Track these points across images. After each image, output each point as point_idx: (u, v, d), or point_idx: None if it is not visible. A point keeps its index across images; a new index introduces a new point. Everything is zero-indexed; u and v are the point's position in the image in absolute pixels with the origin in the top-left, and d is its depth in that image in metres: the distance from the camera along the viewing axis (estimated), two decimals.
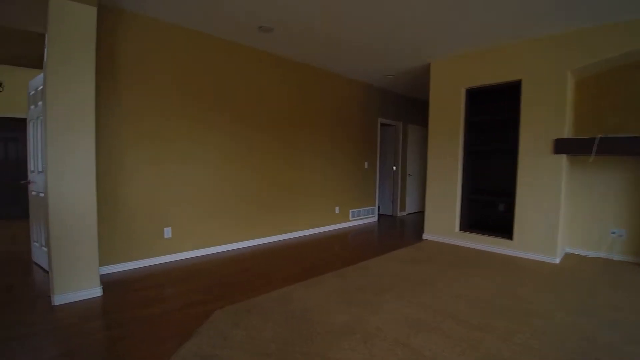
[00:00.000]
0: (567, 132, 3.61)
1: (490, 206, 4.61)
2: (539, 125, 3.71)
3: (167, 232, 3.52)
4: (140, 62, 3.24)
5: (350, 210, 5.80)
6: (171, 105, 3.49)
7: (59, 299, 2.42)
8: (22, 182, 3.20)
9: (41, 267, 3.21)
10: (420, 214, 7.25)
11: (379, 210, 6.82)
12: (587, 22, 3.27)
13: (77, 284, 2.50)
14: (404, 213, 7.08)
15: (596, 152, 3.34)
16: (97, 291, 2.58)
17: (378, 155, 6.35)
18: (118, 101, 3.11)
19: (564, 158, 3.58)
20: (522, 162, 3.85)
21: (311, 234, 5.02)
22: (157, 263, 3.44)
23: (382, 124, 6.45)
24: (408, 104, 7.07)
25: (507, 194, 4.23)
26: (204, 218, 3.82)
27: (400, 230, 5.48)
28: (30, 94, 2.99)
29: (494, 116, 4.28)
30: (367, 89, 6.02)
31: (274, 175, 4.55)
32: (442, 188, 4.57)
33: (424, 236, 4.79)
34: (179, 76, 3.53)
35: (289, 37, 3.85)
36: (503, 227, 4.32)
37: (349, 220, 5.77)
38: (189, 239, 3.70)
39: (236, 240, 4.16)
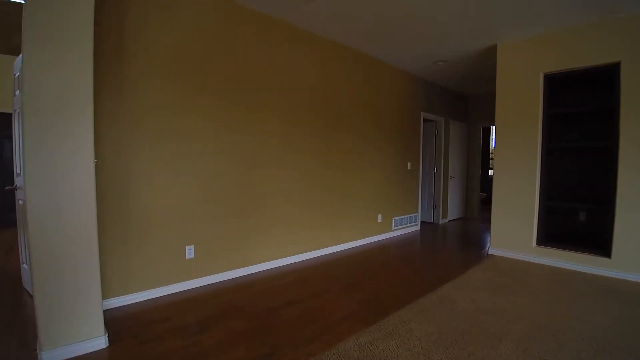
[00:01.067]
0: None
1: (572, 215, 3.80)
2: None
3: (190, 252, 2.80)
4: (155, 42, 2.53)
5: (393, 219, 5.03)
6: (193, 98, 2.77)
7: (47, 357, 1.70)
8: (7, 187, 2.52)
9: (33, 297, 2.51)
10: (463, 221, 6.44)
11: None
12: None
13: (72, 333, 1.78)
14: (446, 220, 6.28)
15: None
16: (100, 342, 1.87)
17: (421, 155, 5.57)
18: (128, 91, 2.41)
19: None
20: (625, 162, 3.05)
21: (354, 248, 4.27)
22: (179, 291, 2.72)
23: (423, 120, 5.67)
24: (450, 97, 6.28)
25: (598, 201, 3.42)
26: (233, 233, 3.10)
27: (454, 243, 4.69)
28: (15, 75, 2.30)
29: (580, 107, 3.49)
30: (411, 79, 5.25)
31: (313, 180, 3.81)
32: (514, 193, 3.78)
33: (491, 251, 4.00)
34: (201, 62, 2.82)
35: (334, 9, 3.12)
36: (591, 241, 3.51)
37: (391, 230, 5.01)
38: (214, 259, 2.98)
39: (270, 258, 3.43)
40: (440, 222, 6.10)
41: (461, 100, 6.60)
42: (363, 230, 4.51)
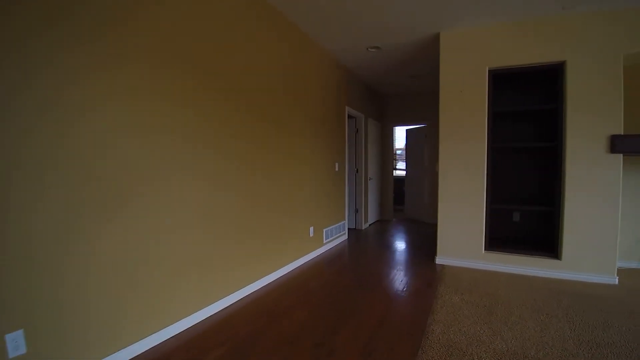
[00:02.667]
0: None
1: (521, 217, 3.79)
2: (590, 119, 2.99)
3: (15, 344, 1.26)
4: None
5: (325, 230, 4.22)
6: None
7: None
8: None
9: None
10: (381, 224, 6.20)
11: None
12: None
13: None
14: (367, 224, 5.90)
15: None
16: None
17: (347, 154, 4.95)
18: None
19: (620, 158, 2.94)
20: (571, 163, 3.08)
21: (288, 274, 3.23)
22: None
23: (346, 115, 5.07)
24: (369, 94, 5.91)
25: (544, 202, 3.45)
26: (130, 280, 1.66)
27: (393, 252, 4.20)
28: None
29: (526, 106, 3.45)
30: (338, 65, 4.54)
31: (229, 192, 2.60)
32: (462, 197, 3.50)
33: (439, 260, 3.64)
34: None
35: None
36: (537, 243, 3.52)
37: (322, 244, 4.18)
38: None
39: (176, 318, 2.08)
40: (363, 228, 5.66)
41: (377, 98, 6.35)
42: (294, 251, 3.52)
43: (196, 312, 2.24)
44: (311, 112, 3.81)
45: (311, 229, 3.86)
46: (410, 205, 6.82)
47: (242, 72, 2.65)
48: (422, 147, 6.38)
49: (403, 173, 7.85)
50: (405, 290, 2.85)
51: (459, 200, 3.51)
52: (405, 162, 6.98)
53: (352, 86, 5.10)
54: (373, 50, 4.13)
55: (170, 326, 2.05)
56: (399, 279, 3.15)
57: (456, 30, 3.47)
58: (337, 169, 4.59)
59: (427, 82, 5.47)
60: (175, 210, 2.08)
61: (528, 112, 3.51)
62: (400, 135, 8.86)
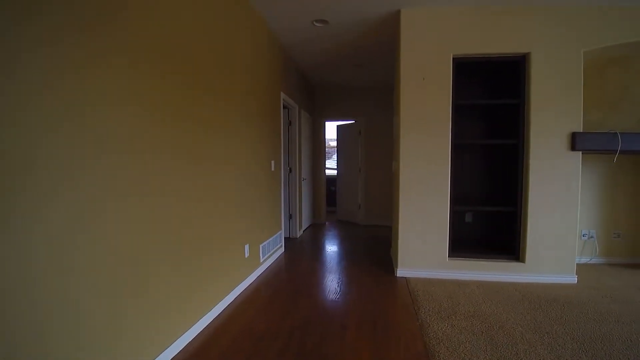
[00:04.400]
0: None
1: (473, 218, 3.58)
2: (552, 115, 2.91)
3: None
4: None
5: (261, 246, 3.31)
6: None
7: None
8: None
9: None
10: (315, 228, 5.56)
11: None
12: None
13: None
14: (302, 231, 5.17)
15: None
16: None
17: (282, 151, 4.11)
18: None
19: (580, 155, 2.93)
20: (534, 161, 2.95)
21: (221, 316, 2.25)
22: None
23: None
24: (303, 83, 5.17)
25: (501, 202, 3.28)
26: None
27: (342, 266, 3.56)
28: None
29: (490, 99, 3.23)
30: (274, 43, 3.67)
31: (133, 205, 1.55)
32: (424, 198, 3.09)
33: (400, 272, 3.16)
34: None
35: None
36: (498, 246, 3.35)
37: (259, 264, 3.27)
38: None
39: None
40: (297, 236, 4.90)
41: (309, 88, 5.66)
42: (226, 283, 2.56)
43: None
44: (248, 101, 2.87)
45: (246, 247, 2.92)
46: (342, 206, 6.38)
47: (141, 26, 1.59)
48: (356, 145, 5.98)
49: (333, 172, 7.40)
50: (383, 326, 2.22)
51: (422, 202, 3.09)
52: (337, 160, 6.51)
53: (288, 72, 4.29)
54: (319, 25, 3.41)
55: None
56: (367, 307, 2.51)
57: (419, 10, 3.03)
58: (273, 168, 3.73)
59: (370, 73, 5.06)
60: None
61: (488, 107, 3.32)
62: (330, 132, 8.34)
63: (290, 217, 4.84)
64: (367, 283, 3.00)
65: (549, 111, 2.89)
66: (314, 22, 3.37)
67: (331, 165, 7.64)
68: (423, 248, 3.12)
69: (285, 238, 4.56)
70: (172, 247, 1.82)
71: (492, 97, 3.34)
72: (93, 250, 1.31)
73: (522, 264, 3.02)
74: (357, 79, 5.44)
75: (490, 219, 3.53)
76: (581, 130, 2.86)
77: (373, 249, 4.22)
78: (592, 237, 3.50)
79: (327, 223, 6.07)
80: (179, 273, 1.88)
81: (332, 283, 3.01)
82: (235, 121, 2.66)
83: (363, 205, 5.91)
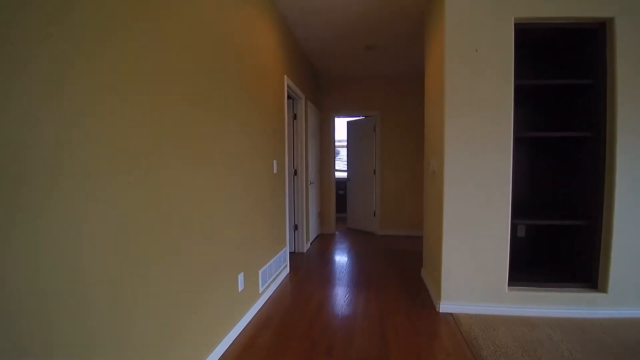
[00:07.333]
0: None
1: (527, 232, 2.81)
2: None
3: None
4: None
5: (260, 272, 2.55)
6: None
7: None
8: None
9: None
10: (323, 239, 4.80)
11: None
12: None
13: None
14: (309, 244, 4.41)
15: None
16: None
17: (286, 148, 3.36)
18: None
19: None
20: (622, 159, 2.20)
21: None
22: None
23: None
24: (309, 70, 4.43)
25: (571, 213, 2.51)
26: None
27: (364, 295, 2.80)
28: None
29: (551, 80, 2.45)
30: (276, 15, 2.94)
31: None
32: (475, 208, 2.33)
33: (443, 306, 2.40)
34: None
35: None
36: (563, 269, 2.58)
37: (259, 295, 2.51)
38: None
39: None
40: (305, 250, 4.14)
41: (316, 78, 4.92)
42: (215, 327, 1.81)
43: None
44: (250, 85, 2.13)
45: (240, 277, 2.16)
46: (354, 213, 5.61)
47: None
48: (370, 143, 5.22)
49: (342, 174, 6.65)
50: None
51: (473, 212, 2.33)
52: (348, 161, 5.75)
53: (292, 54, 3.55)
54: None
55: None
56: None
57: None
58: (275, 170, 2.97)
59: (385, 59, 4.31)
60: None
61: (545, 90, 2.56)
62: (339, 129, 7.58)
63: (296, 228, 4.08)
64: (403, 325, 2.23)
65: None
66: None
67: (338, 167, 6.90)
68: (474, 274, 2.36)
69: (290, 253, 3.79)
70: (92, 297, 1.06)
71: (549, 76, 2.58)
72: None
73: (603, 294, 2.26)
74: (369, 67, 4.68)
75: (547, 232, 2.76)
76: None
77: (398, 268, 3.45)
78: None
79: (337, 233, 5.30)
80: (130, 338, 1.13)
81: (354, 326, 2.24)
82: (225, 100, 1.92)
83: (379, 212, 5.14)
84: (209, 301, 1.75)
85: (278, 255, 3.01)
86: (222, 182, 1.90)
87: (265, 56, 2.66)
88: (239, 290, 2.14)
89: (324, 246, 4.46)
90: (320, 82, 5.20)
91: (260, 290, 2.54)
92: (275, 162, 2.96)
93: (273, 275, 2.86)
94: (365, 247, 4.39)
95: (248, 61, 2.29)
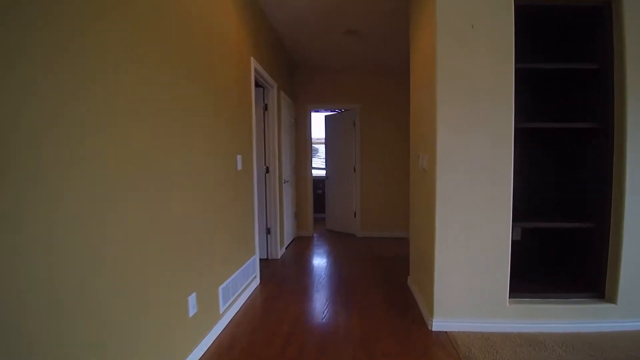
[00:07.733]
0: None
1: (522, 235, 2.54)
2: None
3: None
4: None
5: (221, 289, 2.12)
6: None
7: None
8: None
9: None
10: (299, 243, 4.40)
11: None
12: None
13: None
14: (283, 249, 3.99)
15: None
16: None
17: (254, 141, 2.93)
18: None
19: None
20: (633, 154, 1.95)
21: None
22: None
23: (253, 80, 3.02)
24: (283, 57, 4.01)
25: (572, 214, 2.25)
26: None
27: (346, 310, 2.43)
28: None
29: (551, 63, 2.17)
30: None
31: None
32: (472, 210, 2.02)
33: (436, 324, 2.07)
34: None
35: None
36: (566, 277, 2.32)
37: (219, 317, 2.08)
38: None
39: None
40: (278, 256, 3.72)
41: (291, 68, 4.50)
42: None
43: None
44: (200, 66, 1.70)
45: (191, 299, 1.73)
46: (334, 214, 5.25)
47: None
48: (350, 139, 4.87)
49: (320, 172, 6.27)
50: None
51: (470, 215, 2.02)
52: (326, 158, 5.37)
53: (263, 36, 3.12)
54: None
55: None
56: None
57: None
58: (240, 167, 2.54)
59: (367, 47, 3.96)
60: None
61: (543, 76, 2.29)
62: (317, 126, 7.18)
63: (269, 231, 3.66)
64: (391, 350, 1.87)
65: None
66: None
67: (316, 164, 6.52)
68: (471, 285, 2.05)
69: (261, 260, 3.36)
70: None
71: (548, 60, 2.31)
72: None
73: (612, 304, 2.01)
74: (350, 55, 4.32)
75: (547, 235, 2.51)
76: None
77: (382, 276, 3.12)
78: None
79: (315, 235, 4.92)
80: None
81: (335, 353, 1.86)
82: (168, 84, 1.48)
83: (359, 212, 4.81)
84: (135, 339, 1.31)
85: (245, 265, 2.59)
86: (162, 186, 1.47)
87: (226, 32, 2.23)
88: (190, 315, 1.71)
89: (300, 251, 4.07)
90: (296, 71, 4.78)
91: (222, 310, 2.11)
92: (239, 157, 2.53)
93: (239, 289, 2.43)
94: (346, 252, 4.03)
95: (196, 29, 1.85)
